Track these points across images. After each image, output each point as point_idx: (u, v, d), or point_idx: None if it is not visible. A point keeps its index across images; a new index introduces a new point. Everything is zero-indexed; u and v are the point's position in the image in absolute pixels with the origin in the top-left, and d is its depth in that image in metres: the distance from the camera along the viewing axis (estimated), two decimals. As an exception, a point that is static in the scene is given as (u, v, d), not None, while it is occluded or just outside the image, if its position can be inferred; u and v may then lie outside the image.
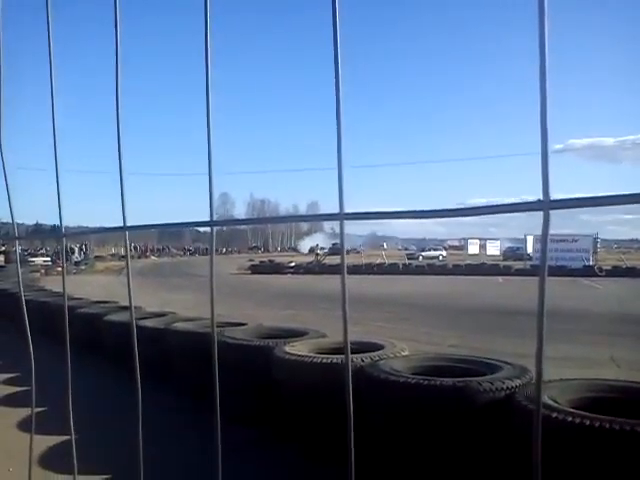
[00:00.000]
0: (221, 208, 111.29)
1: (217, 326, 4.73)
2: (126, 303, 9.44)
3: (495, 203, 0.56)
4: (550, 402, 2.87)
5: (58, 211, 1.07)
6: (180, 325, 6.12)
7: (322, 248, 54.62)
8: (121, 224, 0.97)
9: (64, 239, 1.18)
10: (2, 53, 1.15)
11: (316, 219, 0.75)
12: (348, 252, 69.90)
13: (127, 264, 1.02)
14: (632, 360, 7.57)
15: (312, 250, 58.49)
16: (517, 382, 3.33)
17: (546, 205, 0.54)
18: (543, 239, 0.57)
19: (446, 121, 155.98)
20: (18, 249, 1.45)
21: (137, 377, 1.04)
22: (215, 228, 0.89)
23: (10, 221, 1.21)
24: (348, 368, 0.74)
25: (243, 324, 6.02)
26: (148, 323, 6.45)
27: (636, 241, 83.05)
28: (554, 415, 2.67)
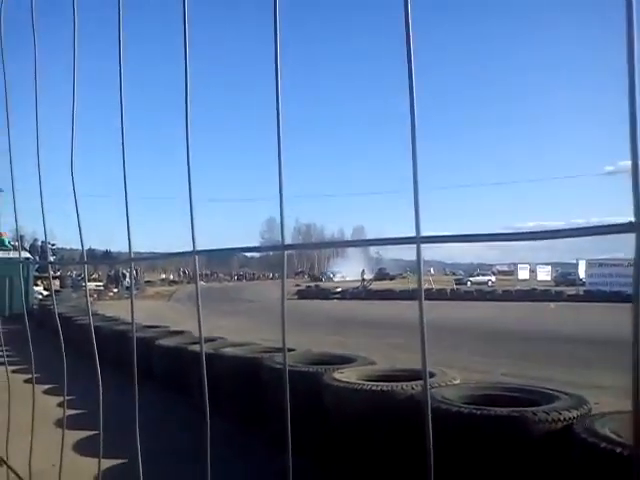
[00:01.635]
0: (267, 233, 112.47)
1: (266, 351, 4.74)
2: (176, 328, 9.58)
3: (582, 225, 0.53)
4: (612, 436, 2.74)
5: (127, 237, 1.09)
6: (229, 350, 6.15)
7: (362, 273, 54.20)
8: (184, 249, 0.98)
9: (132, 263, 1.20)
10: (74, 94, 1.18)
11: (392, 243, 0.73)
12: (393, 277, 69.49)
13: (196, 287, 1.03)
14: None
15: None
16: (575, 413, 3.20)
17: (638, 227, 0.50)
18: (636, 263, 0.53)
19: (483, 143, 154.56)
20: (86, 274, 1.47)
21: (206, 404, 1.04)
22: (285, 253, 0.88)
23: (65, 247, 1.24)
24: (428, 399, 0.72)
25: (292, 350, 6.01)
26: (198, 348, 6.51)
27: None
28: (618, 450, 2.55)
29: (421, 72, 0.67)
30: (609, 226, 0.54)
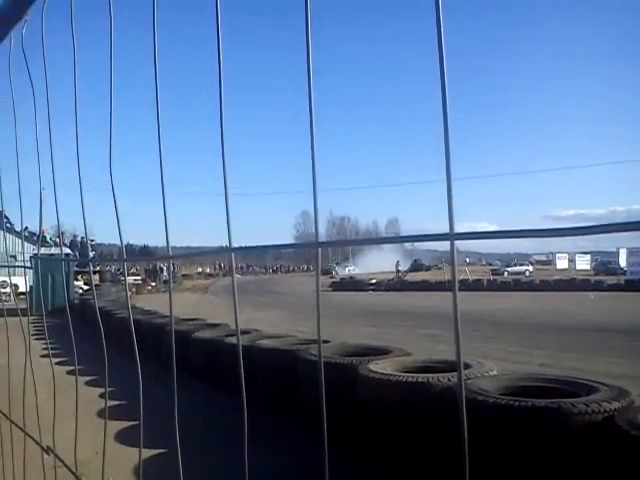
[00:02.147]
0: (302, 226, 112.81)
1: (301, 344, 4.77)
2: (213, 321, 9.70)
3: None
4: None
5: (165, 234, 1.11)
6: (265, 342, 6.21)
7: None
8: (220, 243, 0.99)
9: (170, 260, 1.22)
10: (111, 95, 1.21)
11: (425, 239, 0.73)
12: (429, 268, 68.95)
13: (233, 285, 1.04)
14: None
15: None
16: (615, 405, 3.15)
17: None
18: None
19: (521, 128, 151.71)
20: (125, 271, 1.52)
21: (243, 400, 1.06)
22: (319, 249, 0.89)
23: (104, 242, 1.28)
24: (462, 389, 0.72)
25: (327, 342, 6.03)
26: (234, 340, 6.58)
27: None
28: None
29: (450, 56, 0.67)
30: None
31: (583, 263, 55.07)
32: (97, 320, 1.62)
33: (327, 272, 69.90)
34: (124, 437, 4.53)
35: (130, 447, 4.32)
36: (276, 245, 1.04)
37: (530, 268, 58.37)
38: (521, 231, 0.62)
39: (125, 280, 1.55)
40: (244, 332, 7.37)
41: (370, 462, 4.17)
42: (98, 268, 30.43)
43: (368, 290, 37.73)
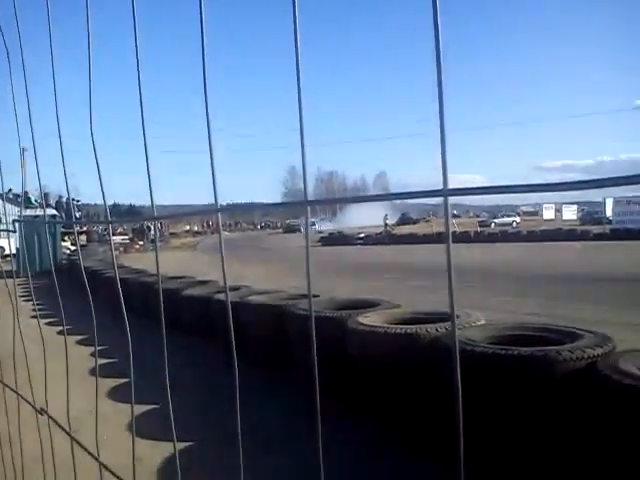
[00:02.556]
0: (290, 182, 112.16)
1: (291, 298, 4.79)
2: (201, 278, 9.71)
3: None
4: (636, 372, 2.75)
5: (149, 194, 1.10)
6: (254, 298, 6.25)
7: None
8: (207, 201, 0.98)
9: (155, 221, 1.21)
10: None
11: (418, 196, 0.72)
12: (417, 221, 69.07)
13: (220, 245, 1.03)
14: None
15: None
16: (599, 351, 3.20)
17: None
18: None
19: (511, 80, 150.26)
20: (110, 232, 1.50)
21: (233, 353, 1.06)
22: (308, 208, 0.88)
23: (90, 202, 1.26)
24: (456, 342, 0.73)
25: (316, 296, 6.07)
26: (224, 297, 6.61)
27: None
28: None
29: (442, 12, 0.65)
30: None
31: (570, 213, 55.50)
32: (84, 280, 1.61)
33: (292, 231, 63.38)
34: (118, 394, 4.59)
35: (123, 404, 4.38)
36: (264, 204, 1.04)
37: (517, 219, 58.75)
38: (514, 186, 0.62)
39: (111, 242, 1.52)
40: (234, 289, 7.40)
41: (360, 415, 4.25)
42: (85, 228, 30.25)
43: (356, 244, 37.85)
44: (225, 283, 1.07)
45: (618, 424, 2.77)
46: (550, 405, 3.17)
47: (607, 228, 34.11)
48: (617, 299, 9.86)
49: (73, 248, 24.13)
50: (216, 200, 0.97)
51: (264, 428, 4.05)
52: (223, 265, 1.05)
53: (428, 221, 56.19)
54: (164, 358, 1.19)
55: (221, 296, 6.73)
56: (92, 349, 6.07)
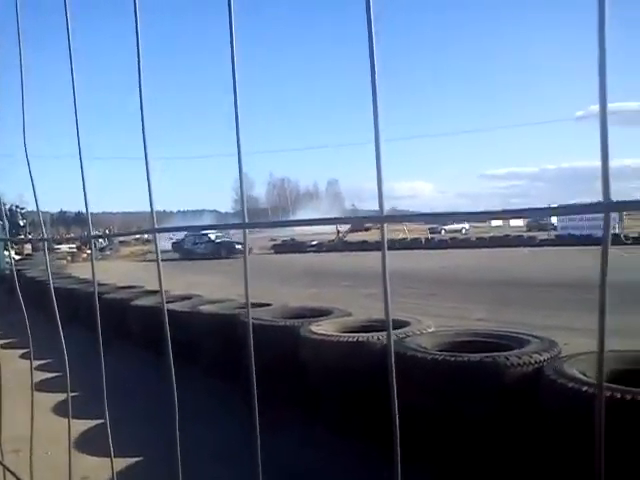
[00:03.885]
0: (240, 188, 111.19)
1: (242, 307, 4.72)
2: (152, 287, 9.53)
3: (556, 205, 0.54)
4: (580, 376, 2.84)
5: (86, 211, 1.07)
6: (205, 307, 6.17)
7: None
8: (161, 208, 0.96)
9: (92, 240, 1.18)
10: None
11: (357, 221, 0.73)
12: (369, 228, 69.35)
13: (158, 266, 1.01)
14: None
15: None
16: (545, 356, 3.30)
17: (606, 207, 0.54)
18: (604, 241, 0.58)
19: (456, 91, 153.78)
20: (46, 251, 1.46)
21: (170, 364, 1.04)
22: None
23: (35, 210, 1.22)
24: (391, 349, 0.73)
25: (268, 305, 6.04)
26: (175, 307, 6.50)
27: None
28: (584, 389, 2.65)
29: (384, 20, 0.65)
30: (582, 206, 0.56)
31: (517, 220, 56.86)
32: (30, 291, 1.56)
33: None
34: (62, 409, 4.46)
35: (66, 418, 4.25)
36: (202, 226, 1.03)
37: (467, 226, 59.83)
38: (448, 214, 0.62)
39: (47, 260, 1.45)
40: (185, 298, 7.31)
41: (315, 422, 4.24)
42: (30, 236, 29.33)
43: (309, 251, 37.87)
44: (162, 296, 1.05)
45: (564, 426, 2.84)
46: (500, 410, 3.23)
47: (552, 234, 35.18)
48: (562, 304, 10.15)
49: (17, 257, 23.41)
50: (153, 219, 0.95)
51: (215, 440, 4.00)
52: (161, 283, 1.03)
53: (379, 228, 56.42)
54: (110, 372, 1.16)
55: (171, 306, 6.62)
56: (37, 362, 5.89)
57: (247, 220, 0.85)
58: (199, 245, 35.65)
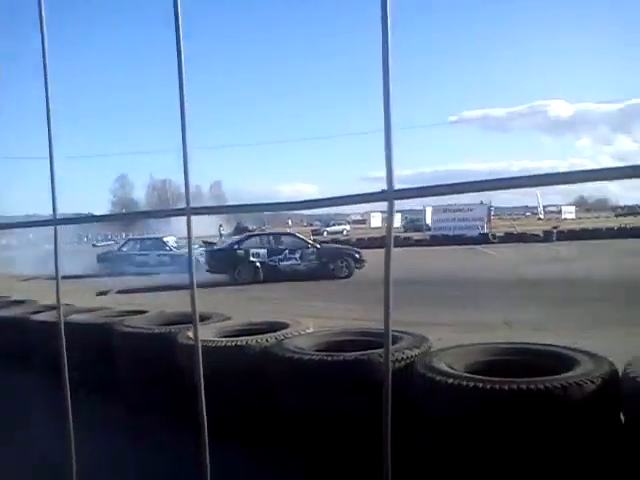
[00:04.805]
0: (119, 191, 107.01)
1: (116, 316, 4.53)
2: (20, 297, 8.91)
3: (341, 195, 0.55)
4: (447, 369, 2.98)
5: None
6: (76, 317, 5.85)
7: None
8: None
9: None
10: None
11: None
12: (253, 231, 68.92)
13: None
14: (523, 321, 8.05)
15: None
16: (416, 351, 3.44)
17: (389, 195, 0.54)
18: (388, 226, 0.57)
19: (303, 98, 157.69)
20: None
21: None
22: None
23: None
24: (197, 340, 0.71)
25: (144, 312, 5.84)
26: (43, 317, 6.12)
27: (526, 208, 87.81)
28: (450, 381, 2.78)
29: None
30: (365, 195, 0.58)
31: (394, 221, 59.07)
32: None
33: None
34: None
35: None
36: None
37: (347, 227, 61.35)
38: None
39: None
40: (54, 307, 6.88)
41: (190, 427, 4.14)
42: None
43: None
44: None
45: (433, 419, 2.97)
46: (374, 405, 3.32)
47: (426, 234, 36.88)
48: (434, 301, 10.67)
49: None
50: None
51: (90, 452, 3.79)
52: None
53: (264, 230, 56.57)
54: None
55: (39, 316, 6.22)
56: None
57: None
58: (148, 255, 21.02)
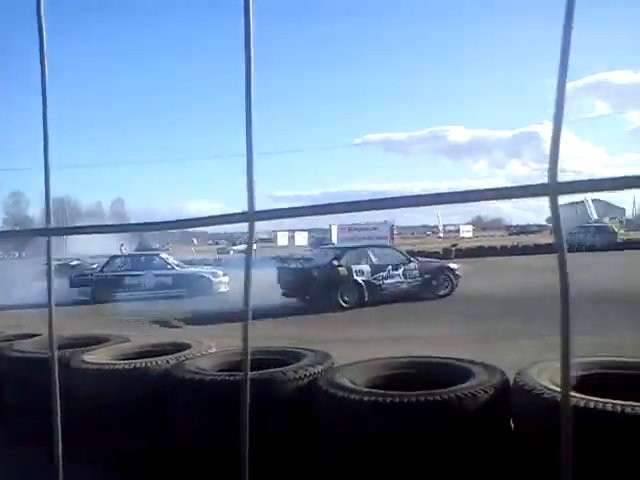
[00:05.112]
0: (13, 207, 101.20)
1: (6, 340, 4.26)
2: None
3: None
4: (348, 384, 3.01)
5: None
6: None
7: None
8: None
9: None
10: None
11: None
12: (156, 249, 66.99)
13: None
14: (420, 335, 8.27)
15: None
16: (319, 368, 3.46)
17: (251, 217, 0.55)
18: (248, 247, 0.56)
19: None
20: None
21: None
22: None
23: None
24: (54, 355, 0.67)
25: (37, 335, 5.51)
26: None
27: (427, 227, 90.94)
28: (352, 396, 2.82)
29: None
30: (227, 215, 0.58)
31: (302, 239, 59.47)
32: None
33: None
34: None
35: None
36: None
37: (254, 247, 61.00)
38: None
39: None
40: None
41: (79, 457, 3.94)
42: None
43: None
44: None
45: (334, 433, 2.99)
46: (278, 422, 3.29)
47: (333, 250, 37.48)
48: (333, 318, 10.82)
49: None
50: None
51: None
52: None
53: (167, 249, 55.29)
54: None
55: None
56: None
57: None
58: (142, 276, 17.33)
